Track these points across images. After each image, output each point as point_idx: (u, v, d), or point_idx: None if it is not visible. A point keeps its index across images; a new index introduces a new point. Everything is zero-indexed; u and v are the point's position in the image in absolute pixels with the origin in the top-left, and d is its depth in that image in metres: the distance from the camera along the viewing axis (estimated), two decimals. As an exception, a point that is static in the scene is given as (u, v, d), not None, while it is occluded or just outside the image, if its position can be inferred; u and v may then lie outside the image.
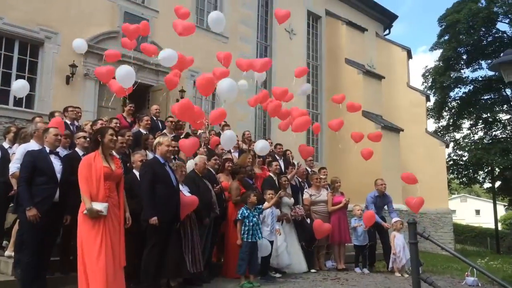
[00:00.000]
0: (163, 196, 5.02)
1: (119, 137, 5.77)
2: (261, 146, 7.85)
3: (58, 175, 4.82)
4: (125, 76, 6.87)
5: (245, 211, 6.31)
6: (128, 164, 5.73)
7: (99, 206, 4.14)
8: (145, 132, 7.46)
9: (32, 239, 4.62)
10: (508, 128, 22.98)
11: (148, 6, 11.28)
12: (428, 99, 20.74)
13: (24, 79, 9.26)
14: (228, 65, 8.22)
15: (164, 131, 8.18)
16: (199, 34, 12.30)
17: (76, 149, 5.62)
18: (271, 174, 7.91)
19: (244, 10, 13.72)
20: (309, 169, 9.71)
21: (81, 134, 5.82)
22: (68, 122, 7.25)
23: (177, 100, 11.37)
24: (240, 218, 6.26)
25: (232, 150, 8.89)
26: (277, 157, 9.26)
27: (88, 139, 5.63)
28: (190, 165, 6.70)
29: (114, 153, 5.05)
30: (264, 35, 15.92)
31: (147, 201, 4.92)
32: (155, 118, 8.63)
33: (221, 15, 7.90)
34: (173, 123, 8.32)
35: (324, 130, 17.10)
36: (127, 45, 8.70)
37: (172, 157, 6.57)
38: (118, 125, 7.19)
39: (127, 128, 7.24)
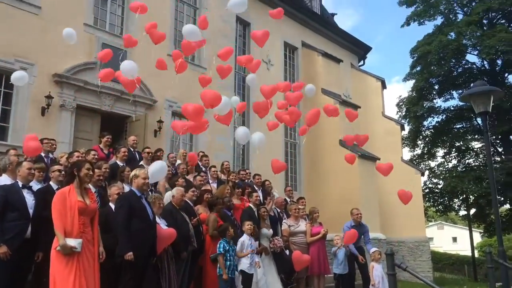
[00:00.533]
0: (139, 230, 4.92)
1: (96, 170, 5.69)
2: (259, 137, 7.71)
3: (31, 211, 4.71)
4: (129, 68, 6.82)
5: (226, 245, 6.24)
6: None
7: (73, 242, 4.04)
8: (121, 164, 7.37)
9: (1, 277, 4.46)
10: (481, 156, 23.56)
11: (126, 38, 11.32)
12: (403, 128, 21.19)
13: (-2, 110, 9.12)
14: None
15: (141, 162, 8.11)
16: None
17: (51, 182, 5.51)
18: (251, 205, 7.89)
19: (222, 41, 13.89)
20: (288, 199, 9.73)
21: (56, 167, 5.71)
22: (43, 154, 7.12)
23: (155, 131, 11.36)
24: (222, 252, 6.19)
25: (210, 181, 8.87)
26: (256, 188, 9.25)
27: (63, 172, 5.53)
28: (167, 197, 6.63)
29: (90, 186, 4.96)
30: (243, 67, 16.12)
31: (122, 235, 4.81)
32: (132, 149, 8.57)
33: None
34: (150, 154, 8.25)
35: (303, 159, 17.26)
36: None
37: (149, 189, 6.51)
38: (96, 157, 7.10)
39: (104, 160, 7.14)
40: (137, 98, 11.19)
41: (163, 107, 11.90)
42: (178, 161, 9.03)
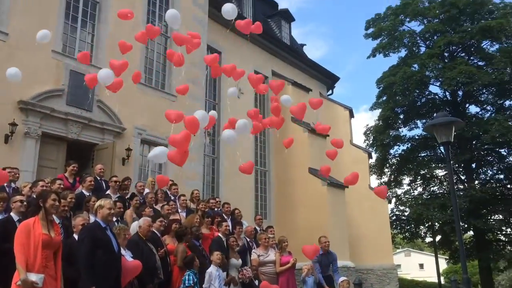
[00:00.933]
0: (103, 262, 4.77)
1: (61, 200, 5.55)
2: (243, 123, 7.68)
3: (-11, 244, 4.53)
4: (105, 76, 6.97)
5: (194, 277, 6.12)
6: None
7: (35, 277, 3.89)
8: (87, 194, 7.21)
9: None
10: (445, 184, 24.20)
11: (95, 65, 11.22)
12: (370, 156, 21.64)
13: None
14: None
15: (108, 191, 7.96)
16: (147, 93, 12.39)
17: (12, 213, 5.33)
18: (220, 235, 7.82)
19: (193, 70, 13.98)
20: (258, 228, 9.70)
21: (17, 197, 5.54)
22: (5, 183, 6.89)
23: (123, 159, 11.20)
24: (191, 284, 6.07)
25: (179, 210, 8.76)
26: (225, 217, 9.20)
27: (25, 203, 5.36)
28: (134, 227, 6.51)
29: (54, 217, 4.83)
30: (213, 93, 16.25)
31: (85, 269, 4.65)
32: (99, 178, 8.41)
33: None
34: (117, 183, 8.11)
35: (272, 187, 17.31)
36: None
37: (115, 219, 6.38)
38: (62, 186, 6.94)
39: (69, 190, 6.97)
40: (105, 126, 11.05)
41: (132, 134, 11.77)
42: (147, 190, 8.91)
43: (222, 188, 15.18)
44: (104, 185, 8.34)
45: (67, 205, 6.00)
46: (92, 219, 5.98)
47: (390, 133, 24.76)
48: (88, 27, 11.70)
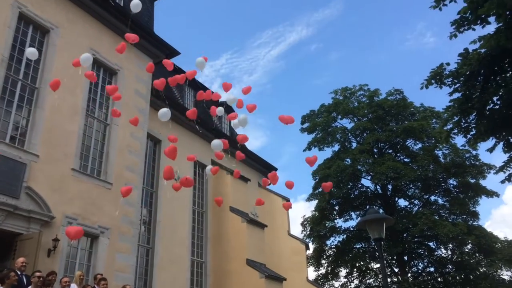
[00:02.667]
0: None
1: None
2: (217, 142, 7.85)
3: None
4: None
5: None
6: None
7: None
8: (5, 292, 6.55)
9: None
10: (380, 276, 24.51)
11: (27, 150, 10.79)
12: (307, 247, 21.69)
13: None
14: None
15: (29, 288, 7.28)
16: (82, 180, 11.94)
17: None
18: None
19: (131, 157, 13.80)
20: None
21: None
22: None
23: (49, 251, 10.41)
24: None
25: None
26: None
27: None
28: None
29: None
30: (151, 181, 15.97)
31: None
32: (19, 273, 7.69)
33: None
34: (41, 278, 7.46)
35: (209, 280, 16.66)
36: None
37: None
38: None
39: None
40: (32, 214, 10.33)
41: (61, 224, 11.06)
42: (73, 286, 8.26)
43: (155, 281, 14.38)
44: (25, 280, 7.63)
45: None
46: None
47: (326, 224, 25.22)
48: (23, 112, 11.38)
